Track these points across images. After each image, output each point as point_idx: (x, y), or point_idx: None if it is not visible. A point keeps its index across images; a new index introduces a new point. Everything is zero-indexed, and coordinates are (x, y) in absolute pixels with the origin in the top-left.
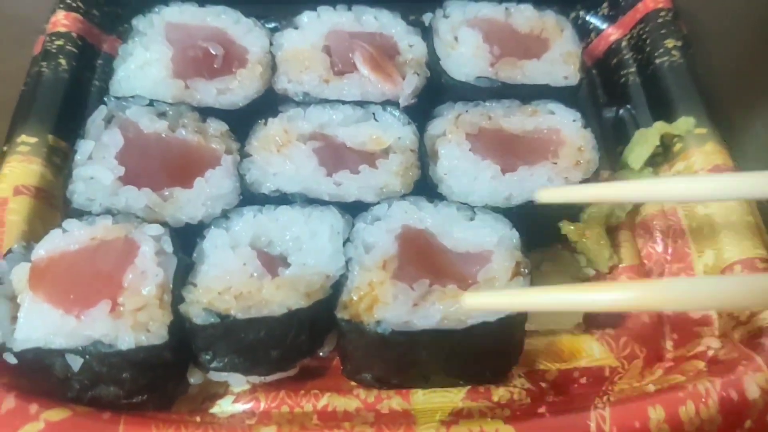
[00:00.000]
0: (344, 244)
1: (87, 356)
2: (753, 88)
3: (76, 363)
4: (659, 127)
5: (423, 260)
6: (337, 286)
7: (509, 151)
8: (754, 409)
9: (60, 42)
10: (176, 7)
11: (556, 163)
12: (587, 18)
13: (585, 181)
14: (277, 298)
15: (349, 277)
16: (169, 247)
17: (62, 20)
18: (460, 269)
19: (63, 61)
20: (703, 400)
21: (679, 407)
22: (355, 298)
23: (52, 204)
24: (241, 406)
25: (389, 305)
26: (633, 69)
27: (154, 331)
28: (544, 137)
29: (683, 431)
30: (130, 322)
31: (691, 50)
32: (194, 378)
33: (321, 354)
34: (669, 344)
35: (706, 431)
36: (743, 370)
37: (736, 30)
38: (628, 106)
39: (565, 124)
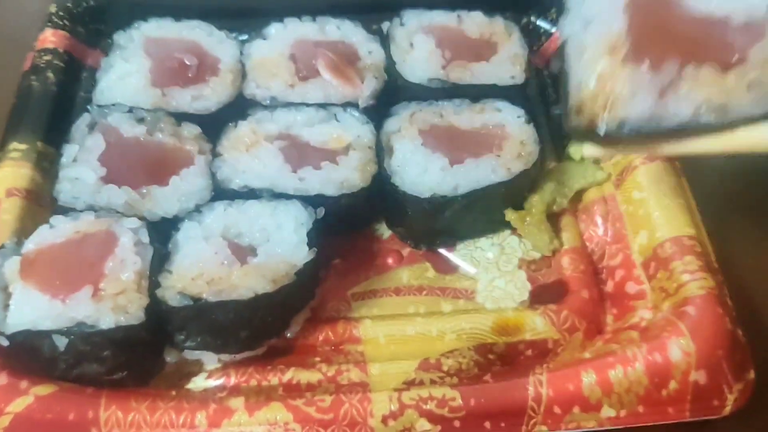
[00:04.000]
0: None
1: (71, 336)
2: None
3: (61, 343)
4: None
5: (665, 34)
6: (301, 274)
7: (457, 145)
8: (677, 370)
9: (48, 57)
10: (154, 23)
11: (499, 156)
12: (538, 23)
13: (526, 171)
14: (246, 283)
15: (572, 69)
16: (145, 238)
17: (50, 37)
18: (719, 41)
19: (51, 75)
20: (631, 363)
21: (608, 371)
22: (586, 97)
23: (40, 204)
24: (213, 382)
25: (628, 101)
26: None
27: (132, 313)
28: (490, 132)
29: (613, 392)
30: (111, 305)
31: None
32: (170, 357)
33: (288, 335)
34: (610, 318)
35: (634, 391)
36: (667, 336)
37: None
38: None
39: (510, 121)
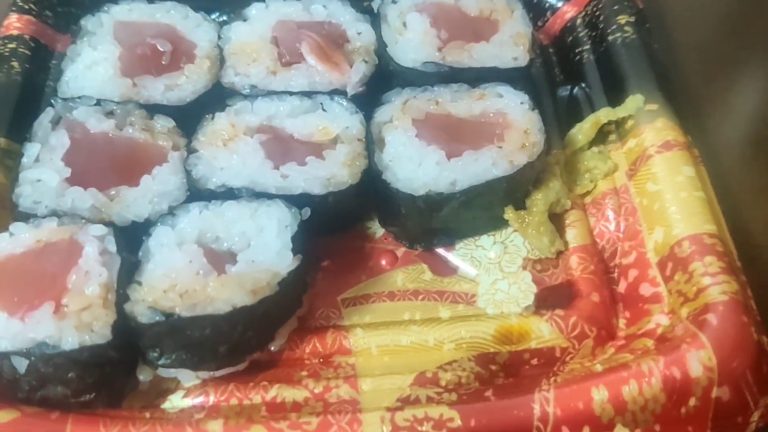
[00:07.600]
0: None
1: (32, 358)
2: (716, 61)
3: (21, 365)
4: (605, 113)
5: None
6: (284, 284)
7: (455, 136)
8: (697, 386)
9: (12, 45)
10: (126, 5)
11: (501, 147)
12: None
13: (530, 164)
14: (223, 295)
15: None
16: (112, 247)
17: (15, 23)
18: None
19: (16, 64)
20: (646, 379)
21: (622, 387)
22: None
23: (4, 206)
24: (191, 401)
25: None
26: (588, 47)
27: (98, 331)
28: (491, 121)
29: (627, 411)
30: (74, 323)
31: (647, 25)
32: (143, 375)
33: (272, 348)
34: (622, 322)
35: (650, 410)
36: (686, 348)
37: (699, 5)
38: (583, 85)
39: (512, 107)
